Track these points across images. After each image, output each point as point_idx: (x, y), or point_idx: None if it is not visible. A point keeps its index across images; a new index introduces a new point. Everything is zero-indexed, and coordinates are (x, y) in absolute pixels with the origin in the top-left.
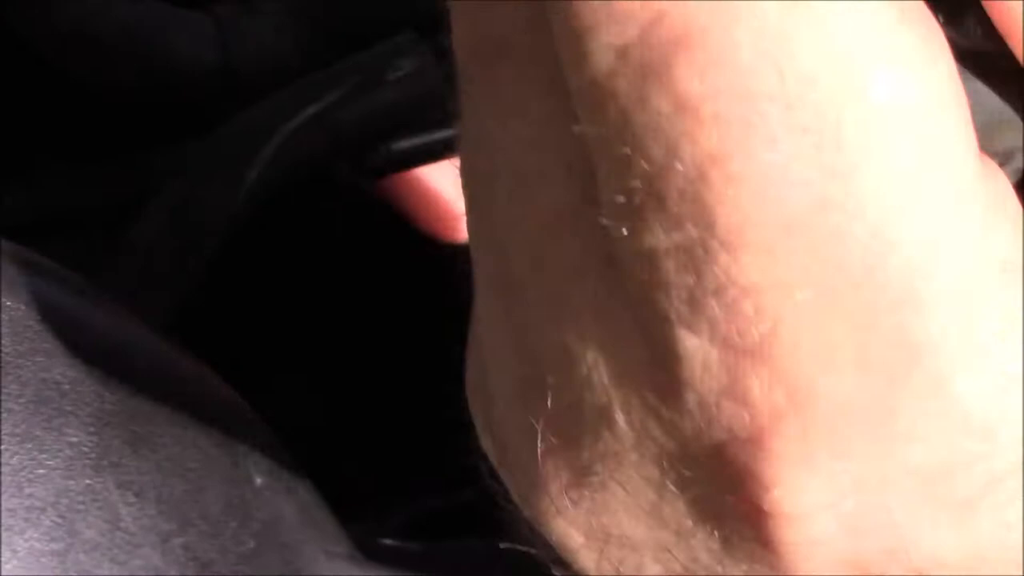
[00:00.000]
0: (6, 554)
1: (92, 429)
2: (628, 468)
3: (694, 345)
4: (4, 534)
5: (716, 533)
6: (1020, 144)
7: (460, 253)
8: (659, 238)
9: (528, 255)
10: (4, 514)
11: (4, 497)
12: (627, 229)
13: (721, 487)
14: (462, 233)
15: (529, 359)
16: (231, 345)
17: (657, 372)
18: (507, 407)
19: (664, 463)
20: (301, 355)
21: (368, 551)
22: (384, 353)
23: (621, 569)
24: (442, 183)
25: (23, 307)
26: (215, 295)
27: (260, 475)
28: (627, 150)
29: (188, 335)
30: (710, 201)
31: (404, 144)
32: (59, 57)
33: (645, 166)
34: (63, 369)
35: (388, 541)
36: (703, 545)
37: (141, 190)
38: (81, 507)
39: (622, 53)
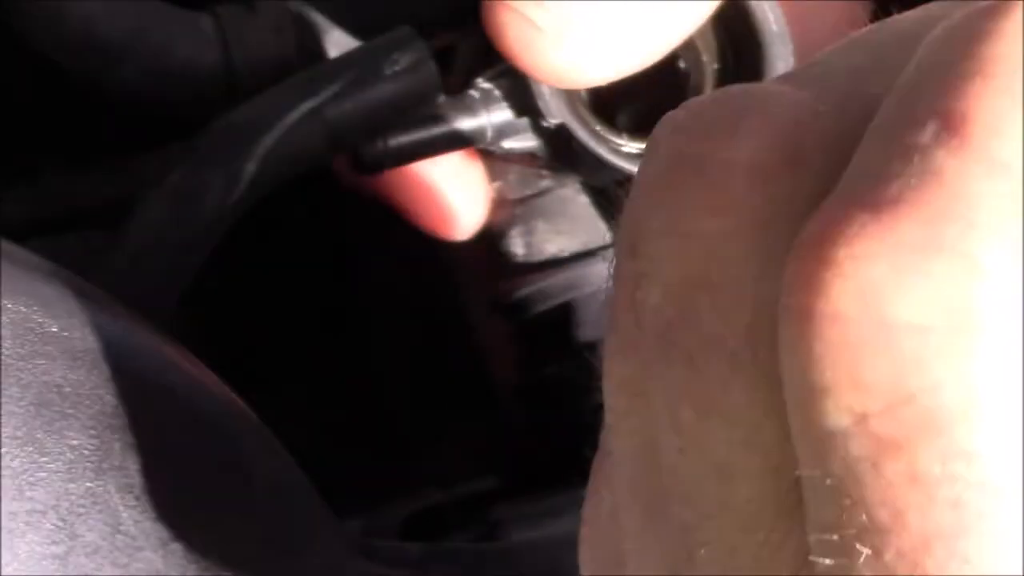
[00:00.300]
0: (7, 557)
1: (93, 432)
2: None
3: None
4: (5, 537)
5: None
6: None
7: (458, 249)
8: None
9: (711, 539)
10: (5, 517)
11: (5, 500)
12: (833, 563)
13: None
14: (459, 231)
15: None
16: (230, 343)
17: None
18: None
19: None
20: (300, 354)
21: (368, 551)
22: (384, 352)
23: None
24: (439, 179)
25: (23, 309)
26: (212, 291)
27: (261, 477)
28: (848, 502)
29: (187, 332)
30: (930, 570)
31: (402, 139)
32: (60, 57)
33: (865, 521)
34: (64, 372)
35: (388, 541)
36: None
37: (140, 189)
38: (82, 510)
39: (861, 419)
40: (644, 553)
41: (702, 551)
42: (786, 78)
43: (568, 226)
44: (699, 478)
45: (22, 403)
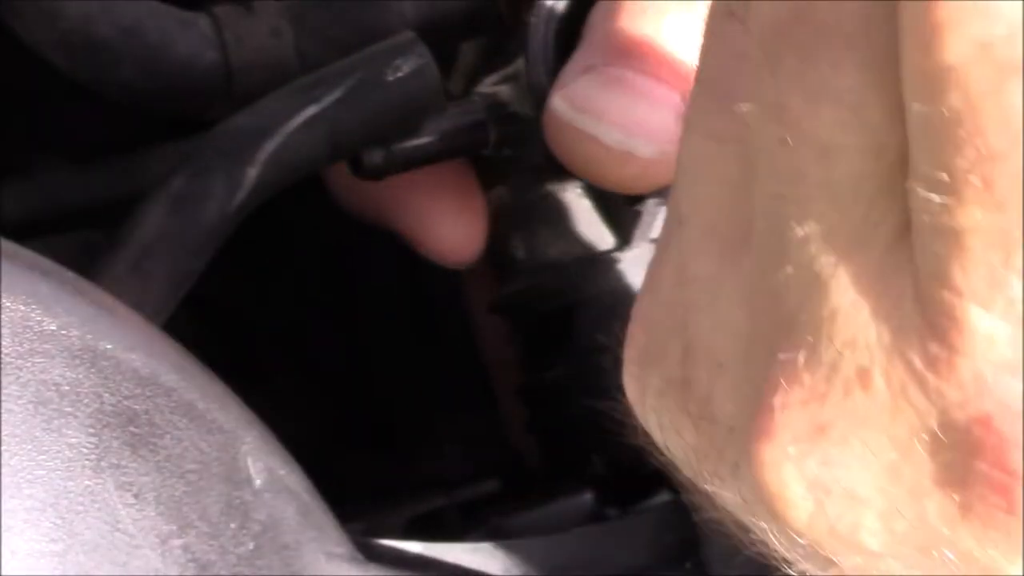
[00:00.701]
0: (5, 555)
1: (91, 430)
2: (875, 426)
3: (984, 321)
4: (4, 535)
5: (957, 497)
6: None
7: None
8: (975, 217)
9: (808, 222)
10: (4, 515)
11: (4, 498)
12: (942, 204)
13: (976, 454)
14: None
15: (773, 321)
16: (229, 342)
17: (932, 342)
18: (721, 366)
19: (918, 425)
20: (300, 354)
21: (367, 551)
22: (384, 354)
23: (838, 524)
24: (437, 212)
25: (22, 307)
26: (211, 291)
27: (260, 476)
28: (963, 133)
29: (186, 331)
30: None
31: (404, 145)
32: (58, 56)
33: (981, 150)
34: (62, 370)
35: (387, 541)
36: (938, 507)
37: (140, 189)
38: (80, 508)
39: (984, 47)
40: (717, 299)
41: (797, 245)
42: None
43: (569, 230)
44: (801, 164)
45: (20, 401)
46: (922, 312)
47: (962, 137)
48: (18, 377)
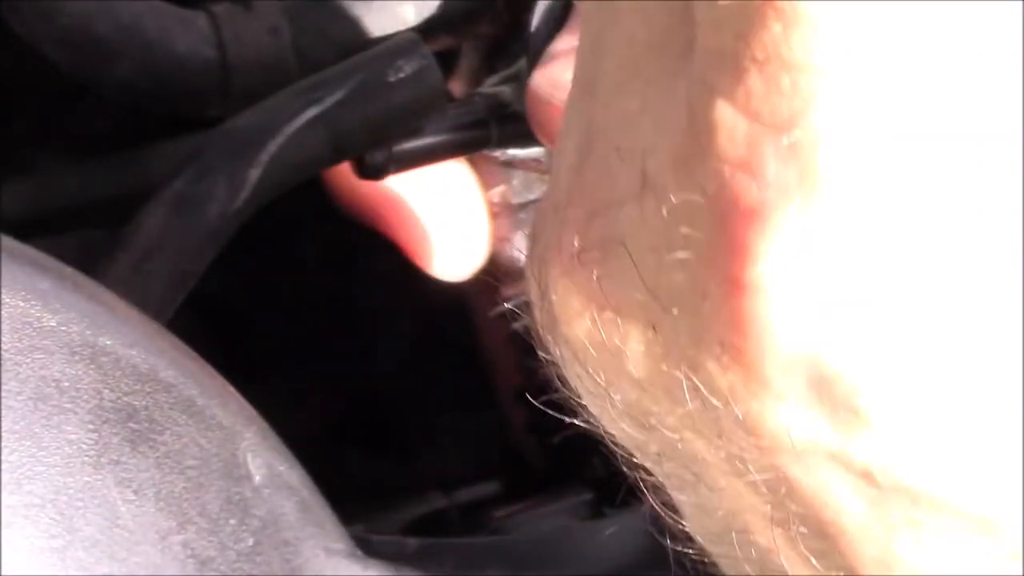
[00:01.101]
0: (5, 551)
1: (91, 426)
2: (641, 235)
3: (727, 114)
4: (3, 531)
5: (700, 310)
6: None
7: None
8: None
9: (622, 33)
10: (3, 511)
11: (3, 494)
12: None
13: (715, 258)
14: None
15: (595, 129)
16: (230, 340)
17: (690, 140)
18: (553, 185)
19: (671, 227)
20: (301, 353)
21: (367, 548)
22: (385, 355)
23: (606, 339)
24: (441, 225)
25: (22, 303)
26: (214, 289)
27: (259, 472)
28: None
29: (187, 328)
30: None
31: (406, 145)
32: (56, 53)
33: None
34: (62, 366)
35: (387, 538)
36: (686, 325)
37: (139, 186)
38: (80, 504)
39: None
40: (570, 120)
41: (608, 56)
42: None
43: None
44: None
45: (20, 397)
46: (688, 114)
47: None
48: (18, 373)
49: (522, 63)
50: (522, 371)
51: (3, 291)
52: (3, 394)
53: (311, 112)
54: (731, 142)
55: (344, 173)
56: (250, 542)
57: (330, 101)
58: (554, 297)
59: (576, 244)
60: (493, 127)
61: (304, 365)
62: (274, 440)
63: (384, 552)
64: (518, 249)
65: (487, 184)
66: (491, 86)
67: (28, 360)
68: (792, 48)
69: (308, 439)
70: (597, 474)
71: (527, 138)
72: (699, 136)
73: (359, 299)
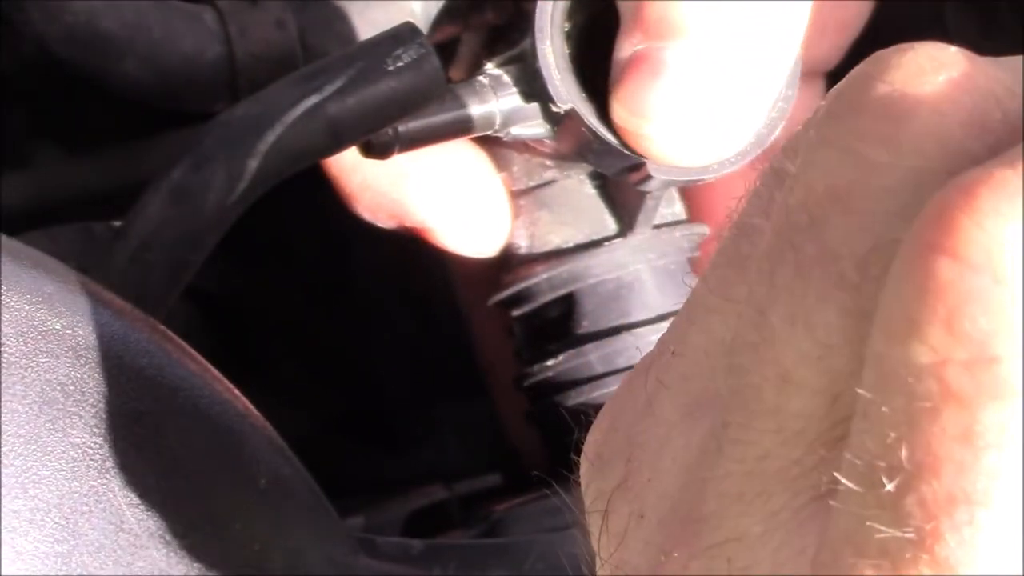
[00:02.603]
0: (10, 555)
1: (96, 431)
2: None
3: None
4: (8, 535)
5: None
6: None
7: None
8: (877, 518)
9: (750, 435)
10: (8, 516)
11: (8, 499)
12: (854, 489)
13: None
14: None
15: (692, 507)
16: (228, 336)
17: None
18: (642, 517)
19: None
20: (301, 349)
21: (371, 549)
22: (384, 346)
23: None
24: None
25: (26, 306)
26: (212, 284)
27: (264, 476)
28: (893, 436)
29: (186, 324)
30: (943, 527)
31: (411, 124)
32: (62, 49)
33: (902, 460)
34: (67, 370)
35: (391, 540)
36: None
37: (140, 179)
38: (85, 509)
39: (940, 364)
40: (662, 452)
41: (733, 451)
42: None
43: (572, 217)
44: (760, 381)
45: (25, 401)
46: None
47: (891, 441)
48: (23, 377)
49: (526, 43)
50: (521, 360)
51: (8, 294)
52: (8, 398)
53: (309, 101)
54: None
55: (355, 170)
56: (255, 546)
57: (329, 90)
58: None
59: None
60: (497, 108)
61: (303, 359)
62: (278, 442)
63: (388, 554)
64: (520, 236)
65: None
66: (495, 66)
67: (33, 364)
68: None
69: (307, 433)
70: None
71: (531, 120)
72: None
73: (357, 293)
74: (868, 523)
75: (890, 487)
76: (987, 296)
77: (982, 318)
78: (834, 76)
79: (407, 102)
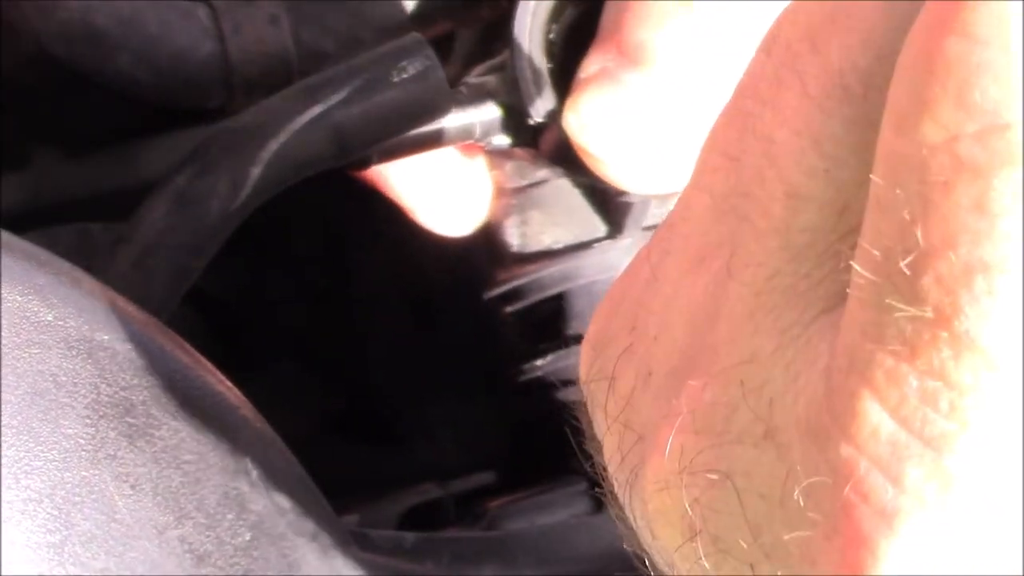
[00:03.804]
0: (3, 545)
1: (88, 421)
2: (754, 479)
3: (873, 410)
4: (1, 526)
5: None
6: None
7: (453, 239)
8: (893, 307)
9: (759, 259)
10: (1, 506)
11: (1, 489)
12: (872, 283)
13: (833, 542)
14: (459, 227)
15: (702, 346)
16: (226, 333)
17: (827, 415)
18: (649, 374)
19: (788, 489)
20: (297, 346)
21: (364, 543)
22: (378, 344)
23: (697, 560)
24: (440, 175)
25: (19, 298)
26: (210, 282)
27: (256, 467)
28: (907, 217)
29: (184, 321)
30: (962, 301)
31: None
32: (56, 46)
33: (917, 240)
34: (59, 361)
35: (384, 533)
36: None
37: (138, 180)
38: (77, 499)
39: (951, 140)
40: (669, 308)
41: (742, 275)
42: None
43: (563, 217)
44: (767, 201)
45: (17, 392)
46: (827, 382)
47: (905, 222)
48: (15, 368)
49: (507, 53)
50: (516, 362)
51: (1, 286)
52: (1, 389)
53: (314, 111)
54: (873, 439)
55: None
56: (247, 536)
57: (333, 100)
58: (647, 501)
59: (679, 460)
60: (477, 118)
61: (300, 358)
62: (271, 435)
63: (381, 547)
64: (511, 237)
65: None
66: (476, 76)
67: (25, 355)
68: (960, 372)
69: (304, 430)
70: (592, 462)
71: (511, 130)
72: (838, 417)
73: (353, 290)
74: (885, 311)
75: (906, 268)
76: (996, 66)
77: (992, 87)
78: None
79: (412, 113)
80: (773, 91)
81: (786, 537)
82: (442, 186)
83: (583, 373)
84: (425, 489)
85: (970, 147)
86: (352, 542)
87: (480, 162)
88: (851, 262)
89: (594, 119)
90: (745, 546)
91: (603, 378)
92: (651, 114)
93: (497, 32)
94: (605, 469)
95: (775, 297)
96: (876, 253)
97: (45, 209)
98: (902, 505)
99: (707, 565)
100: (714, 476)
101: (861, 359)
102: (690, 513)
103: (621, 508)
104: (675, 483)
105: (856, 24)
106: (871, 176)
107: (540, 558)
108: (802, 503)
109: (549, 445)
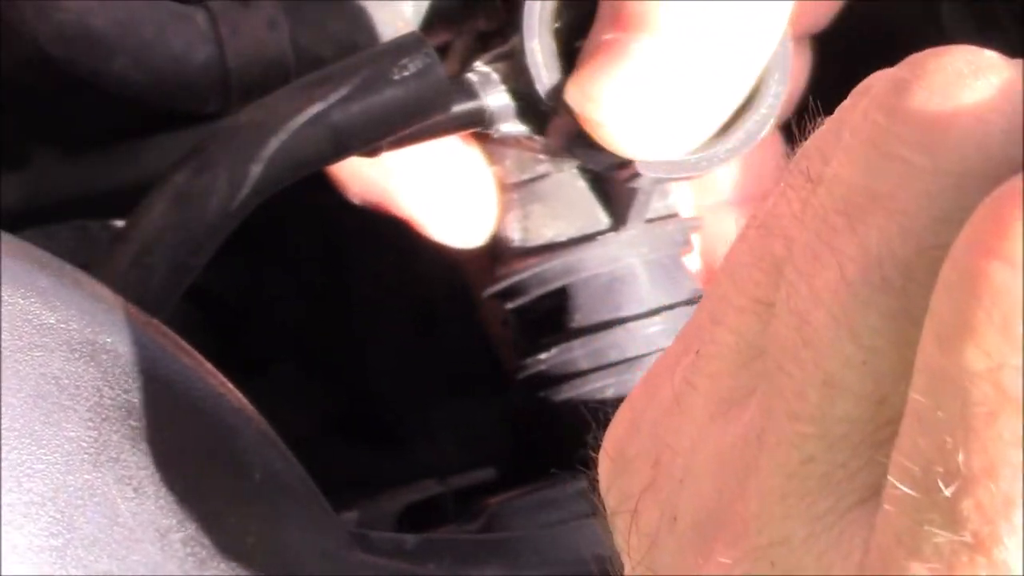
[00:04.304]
0: (5, 549)
1: (91, 424)
2: None
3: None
4: (3, 529)
5: None
6: None
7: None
8: (932, 522)
9: (792, 438)
10: (3, 509)
11: (3, 492)
12: (909, 495)
13: None
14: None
15: (731, 512)
16: (226, 334)
17: None
18: (674, 520)
19: None
20: (296, 344)
21: (365, 544)
22: (379, 341)
23: None
24: (448, 190)
25: (21, 301)
26: (210, 283)
27: (258, 470)
28: (948, 442)
29: (184, 322)
30: (1001, 531)
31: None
32: (53, 48)
33: (958, 465)
34: (62, 364)
35: (385, 535)
36: None
37: (136, 179)
38: (80, 502)
39: (995, 369)
40: (695, 454)
41: (775, 454)
42: None
43: (565, 211)
44: (803, 385)
45: (20, 395)
46: (864, 550)
47: (945, 445)
48: (17, 371)
49: (515, 40)
50: (518, 357)
51: (3, 288)
52: (3, 392)
53: (314, 109)
54: None
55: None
56: (249, 540)
57: (333, 98)
58: None
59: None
60: (486, 105)
61: (299, 357)
62: (273, 436)
63: (382, 548)
64: (513, 230)
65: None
66: (485, 63)
67: (28, 358)
68: None
69: (304, 430)
70: (593, 458)
71: (519, 116)
72: None
73: (353, 290)
74: (923, 526)
75: (947, 492)
76: None
77: None
78: (820, 39)
79: (411, 112)
80: (809, 266)
81: None
82: (448, 202)
83: (603, 484)
84: (425, 486)
85: (1013, 379)
86: (353, 544)
87: (487, 174)
88: (888, 475)
89: (595, 88)
90: None
91: (626, 511)
92: (657, 80)
93: (492, 41)
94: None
95: (809, 483)
96: (915, 468)
97: (44, 208)
98: None
99: None
100: None
101: (896, 567)
102: None
103: None
104: None
105: (897, 207)
106: (911, 393)
107: (542, 559)
108: None
109: (550, 441)
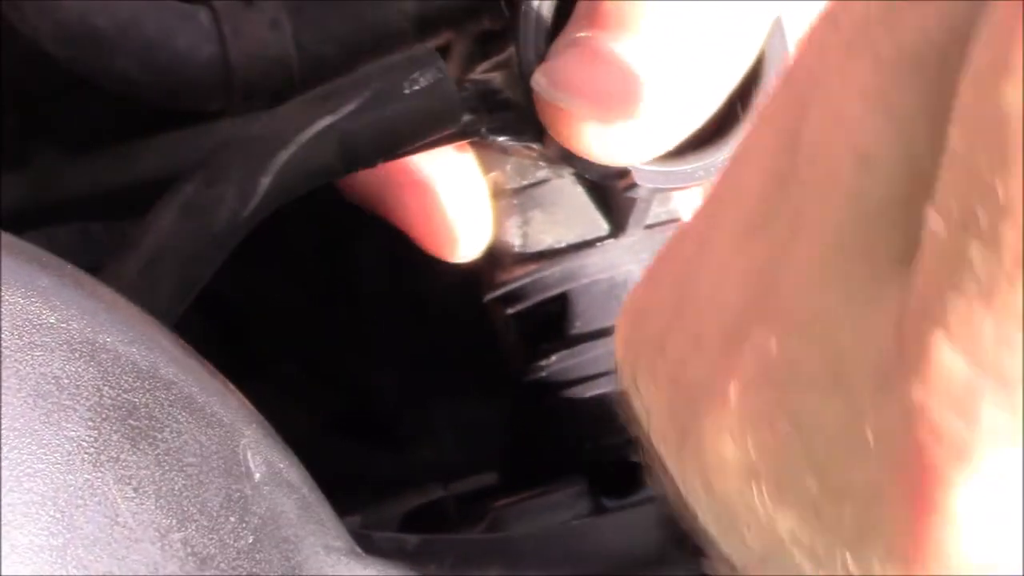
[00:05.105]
0: (5, 549)
1: (91, 424)
2: (822, 427)
3: (947, 353)
4: (3, 529)
5: (872, 510)
6: None
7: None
8: (973, 259)
9: (827, 224)
10: (3, 509)
11: (3, 492)
12: (949, 240)
13: (906, 476)
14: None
15: (761, 308)
16: (227, 335)
17: (897, 360)
18: (699, 337)
19: (858, 433)
20: (298, 345)
21: (367, 545)
22: (381, 345)
23: (760, 506)
24: (443, 202)
25: (21, 300)
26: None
27: (259, 470)
28: (990, 179)
29: (184, 322)
30: None
31: None
32: (55, 47)
33: (999, 197)
34: (62, 363)
35: (387, 535)
36: (853, 517)
37: (138, 179)
38: (80, 502)
39: None
40: (722, 276)
41: (810, 235)
42: None
43: (565, 216)
44: (837, 165)
45: (20, 394)
46: (899, 330)
47: (987, 184)
48: (17, 370)
49: (511, 50)
50: (518, 362)
51: (3, 288)
52: (2, 391)
53: (324, 122)
54: (946, 380)
55: None
56: (250, 539)
57: (344, 111)
58: (704, 452)
59: (740, 408)
60: (483, 115)
61: (300, 358)
62: (274, 437)
63: (384, 549)
64: (513, 236)
65: (481, 170)
66: (481, 72)
67: (27, 357)
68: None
69: (306, 432)
70: (595, 463)
71: (518, 126)
72: (910, 360)
73: (355, 291)
74: (960, 258)
75: (983, 218)
76: None
77: None
78: None
79: (422, 126)
80: (842, 60)
81: (855, 477)
82: (441, 218)
83: (620, 346)
84: (428, 490)
85: None
86: (356, 545)
87: (481, 188)
88: (926, 212)
89: (564, 78)
90: (811, 488)
91: (650, 346)
92: (628, 76)
93: (495, 42)
94: (647, 438)
95: (844, 258)
96: (953, 204)
97: (45, 209)
98: (976, 441)
99: (770, 509)
100: (779, 422)
101: (935, 304)
102: (753, 457)
103: (665, 471)
104: (736, 430)
105: (933, 3)
106: (948, 144)
107: (544, 560)
108: (872, 444)
109: (552, 445)
